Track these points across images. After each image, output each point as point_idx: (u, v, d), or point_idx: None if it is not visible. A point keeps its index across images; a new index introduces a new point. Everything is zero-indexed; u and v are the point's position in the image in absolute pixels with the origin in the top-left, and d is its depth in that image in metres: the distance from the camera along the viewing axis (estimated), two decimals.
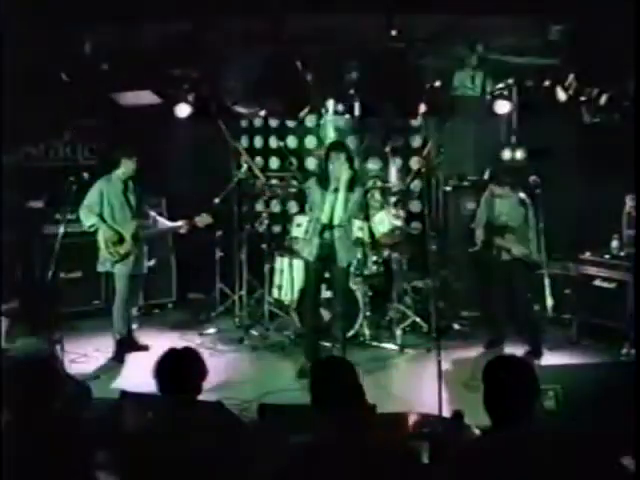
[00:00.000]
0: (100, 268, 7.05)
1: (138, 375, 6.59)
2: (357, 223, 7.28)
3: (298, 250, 7.06)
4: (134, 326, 7.24)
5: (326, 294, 6.91)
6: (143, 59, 5.98)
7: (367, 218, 7.36)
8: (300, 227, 7.22)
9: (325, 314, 6.89)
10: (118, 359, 6.98)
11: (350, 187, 6.20)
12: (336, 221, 6.21)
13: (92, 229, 6.91)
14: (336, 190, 6.18)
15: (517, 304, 6.72)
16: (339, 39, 5.85)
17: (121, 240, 6.89)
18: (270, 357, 7.12)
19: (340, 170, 6.14)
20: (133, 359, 7.03)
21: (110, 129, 8.28)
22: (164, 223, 7.20)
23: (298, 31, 5.73)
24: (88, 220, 6.87)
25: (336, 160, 6.16)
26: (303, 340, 6.83)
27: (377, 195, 7.66)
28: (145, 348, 7.08)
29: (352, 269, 7.35)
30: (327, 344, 6.73)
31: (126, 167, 6.87)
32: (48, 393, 3.44)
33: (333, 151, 6.23)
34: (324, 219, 6.25)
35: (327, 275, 6.64)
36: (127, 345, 7.06)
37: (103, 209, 6.89)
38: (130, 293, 7.02)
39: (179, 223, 7.19)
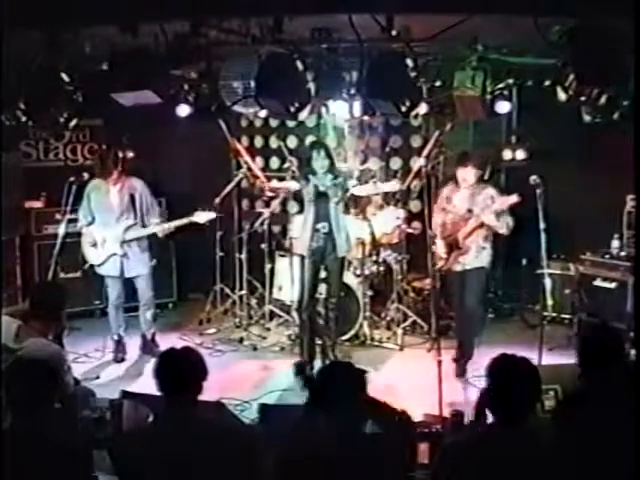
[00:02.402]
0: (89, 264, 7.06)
1: (138, 375, 6.62)
2: (358, 223, 7.30)
3: (294, 250, 7.11)
4: (152, 329, 7.18)
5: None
6: (143, 59, 5.96)
7: (367, 218, 7.37)
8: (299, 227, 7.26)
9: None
10: (117, 359, 6.98)
11: (333, 179, 6.46)
12: (331, 214, 6.44)
13: (82, 231, 6.97)
14: (323, 186, 6.40)
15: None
16: (339, 39, 5.84)
17: (103, 242, 6.87)
18: (270, 357, 7.13)
19: (323, 167, 6.41)
20: (133, 359, 7.05)
21: (110, 129, 8.30)
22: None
23: (298, 31, 5.72)
24: (79, 222, 6.97)
25: (318, 157, 6.42)
26: (300, 337, 6.84)
27: (377, 195, 7.67)
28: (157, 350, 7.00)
29: (352, 268, 7.37)
30: (319, 341, 6.77)
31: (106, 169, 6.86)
32: (52, 394, 3.45)
33: (314, 150, 6.53)
34: (314, 216, 6.45)
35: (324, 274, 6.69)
36: (122, 345, 7.10)
37: (92, 210, 6.90)
38: (122, 295, 7.00)
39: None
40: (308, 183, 6.47)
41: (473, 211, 6.46)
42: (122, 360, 7.01)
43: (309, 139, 8.20)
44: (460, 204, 6.54)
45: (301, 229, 6.63)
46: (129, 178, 6.95)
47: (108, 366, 6.91)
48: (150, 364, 6.75)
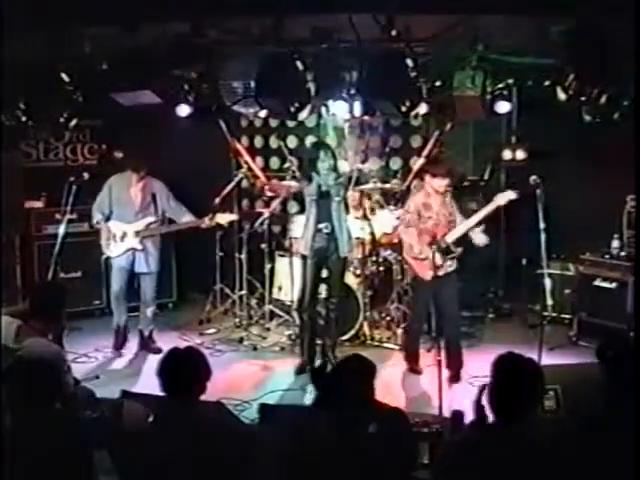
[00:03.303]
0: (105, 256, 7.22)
1: (136, 372, 6.62)
2: (358, 223, 7.30)
3: (296, 250, 7.13)
4: (150, 327, 7.25)
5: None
6: (143, 59, 5.97)
7: (367, 218, 7.37)
8: (300, 227, 7.26)
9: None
10: (116, 347, 7.13)
11: (336, 179, 6.43)
12: (333, 214, 6.41)
13: (97, 226, 7.06)
14: (326, 185, 6.38)
15: None
16: (339, 39, 5.84)
17: (123, 237, 6.94)
18: (270, 357, 7.13)
19: (327, 167, 6.37)
20: (133, 359, 7.06)
21: (110, 129, 8.31)
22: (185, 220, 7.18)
23: (298, 31, 5.72)
24: (94, 217, 7.06)
25: (325, 158, 6.38)
26: (300, 338, 6.84)
27: (377, 195, 7.67)
28: (158, 350, 6.96)
29: (352, 268, 7.37)
30: (319, 341, 6.77)
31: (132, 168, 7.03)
32: (52, 394, 3.45)
33: (320, 150, 6.49)
34: (316, 216, 6.42)
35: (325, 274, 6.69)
36: (124, 336, 7.22)
37: (112, 205, 7.01)
38: (124, 287, 7.10)
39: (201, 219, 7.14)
40: (311, 182, 6.46)
41: (454, 214, 6.40)
42: (120, 348, 7.12)
43: (311, 139, 8.21)
44: (441, 209, 6.38)
45: (303, 229, 6.62)
46: (151, 179, 7.08)
47: (108, 364, 6.91)
48: (147, 361, 6.83)
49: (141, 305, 7.22)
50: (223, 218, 7.13)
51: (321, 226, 6.46)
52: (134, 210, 6.99)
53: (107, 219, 7.03)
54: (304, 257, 6.60)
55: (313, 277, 6.55)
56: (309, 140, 8.31)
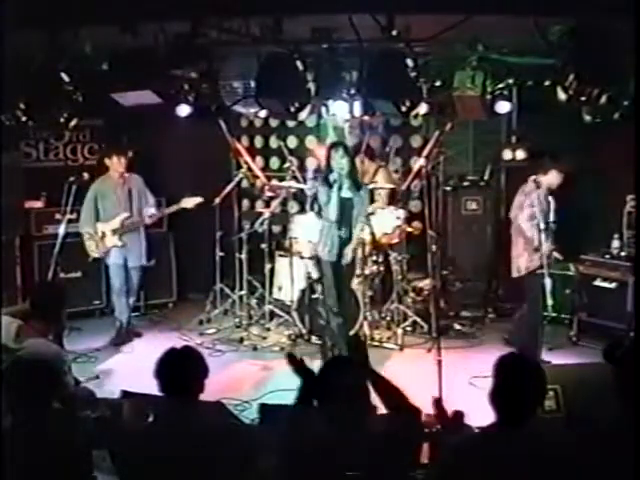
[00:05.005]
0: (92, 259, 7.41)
1: (138, 375, 6.62)
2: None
3: (301, 251, 7.15)
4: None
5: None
6: (143, 59, 5.97)
7: (368, 218, 7.37)
8: (300, 227, 7.28)
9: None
10: (115, 343, 7.28)
11: (356, 185, 6.45)
12: (352, 217, 6.47)
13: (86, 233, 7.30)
14: (340, 188, 6.36)
15: None
16: (339, 39, 5.84)
17: (103, 237, 7.20)
18: (270, 357, 7.13)
19: (342, 167, 6.34)
20: (134, 358, 7.06)
21: (110, 129, 8.31)
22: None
23: (298, 31, 5.72)
24: (83, 228, 7.31)
25: (335, 156, 6.35)
26: (326, 337, 6.79)
27: (377, 195, 7.67)
28: (138, 334, 7.51)
29: None
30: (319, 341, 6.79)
31: (113, 166, 7.21)
32: (52, 394, 3.45)
33: (332, 149, 6.44)
34: (333, 217, 6.40)
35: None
36: (126, 332, 7.38)
37: (99, 209, 7.20)
38: (126, 283, 7.34)
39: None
40: (329, 201, 6.40)
41: None
42: (119, 345, 7.28)
43: (329, 139, 8.21)
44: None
45: (320, 231, 6.59)
46: (129, 175, 7.31)
47: (108, 364, 6.92)
48: (148, 360, 6.87)
49: None
50: (188, 202, 7.28)
51: (339, 232, 6.47)
52: (116, 210, 7.22)
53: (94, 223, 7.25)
54: (317, 258, 6.65)
55: (333, 278, 6.55)
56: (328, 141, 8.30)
